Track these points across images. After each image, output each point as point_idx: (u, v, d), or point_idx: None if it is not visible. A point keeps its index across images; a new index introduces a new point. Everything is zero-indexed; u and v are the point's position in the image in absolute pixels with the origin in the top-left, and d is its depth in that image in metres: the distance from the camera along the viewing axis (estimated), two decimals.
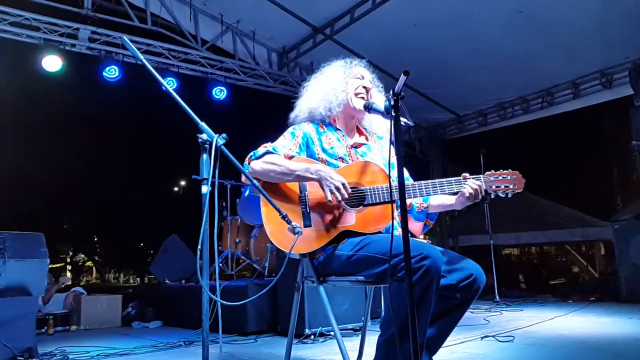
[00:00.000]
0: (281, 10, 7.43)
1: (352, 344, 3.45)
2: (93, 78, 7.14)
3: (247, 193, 6.79)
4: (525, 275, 10.67)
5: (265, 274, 6.29)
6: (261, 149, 2.73)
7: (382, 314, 4.66)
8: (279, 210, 2.29)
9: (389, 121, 2.24)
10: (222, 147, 2.17)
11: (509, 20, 6.88)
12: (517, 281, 10.17)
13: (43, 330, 5.96)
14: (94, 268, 31.53)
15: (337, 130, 2.88)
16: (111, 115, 14.00)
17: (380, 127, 2.97)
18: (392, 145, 2.13)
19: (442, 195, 2.72)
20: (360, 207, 2.59)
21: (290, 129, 2.86)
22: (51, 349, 4.46)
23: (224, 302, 2.11)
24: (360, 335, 3.26)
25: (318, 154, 2.76)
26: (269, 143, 2.76)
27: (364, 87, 2.81)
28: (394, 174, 2.54)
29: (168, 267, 7.05)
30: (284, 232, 2.47)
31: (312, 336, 4.69)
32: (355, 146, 2.86)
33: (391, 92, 2.09)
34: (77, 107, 12.93)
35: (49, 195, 16.63)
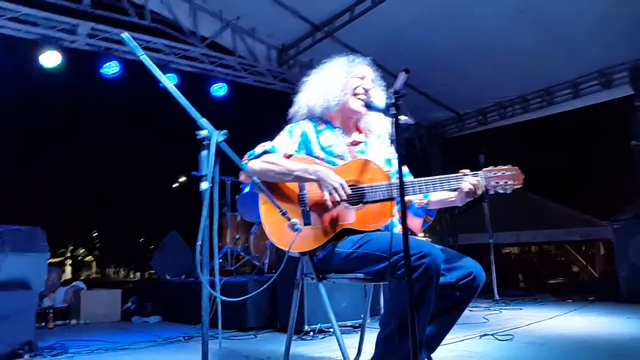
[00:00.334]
0: (281, 7, 7.42)
1: (351, 341, 3.46)
2: (92, 74, 7.14)
3: (246, 190, 6.79)
4: (524, 274, 10.67)
5: (265, 270, 6.29)
6: (259, 148, 2.72)
7: (382, 311, 4.67)
8: (278, 207, 2.29)
9: (388, 119, 2.25)
10: (222, 143, 2.16)
11: (509, 19, 6.87)
12: (516, 280, 10.17)
13: (43, 324, 5.97)
14: (94, 263, 31.54)
15: (336, 128, 2.88)
16: (110, 112, 13.97)
17: (379, 125, 2.95)
18: (392, 143, 2.14)
19: (441, 192, 2.72)
20: (360, 204, 2.59)
21: (287, 128, 2.85)
22: (51, 342, 4.47)
23: (224, 298, 2.11)
24: (359, 332, 3.27)
25: (316, 152, 2.75)
26: (267, 142, 2.75)
27: (364, 88, 2.80)
28: (393, 169, 2.56)
29: (168, 263, 7.06)
30: (283, 230, 2.46)
31: (312, 332, 4.70)
32: (354, 144, 2.86)
33: (391, 90, 2.09)
34: (75, 103, 12.92)
35: (49, 189, 16.65)
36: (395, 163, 2.62)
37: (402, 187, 2.02)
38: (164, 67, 7.48)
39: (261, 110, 9.23)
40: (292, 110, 2.95)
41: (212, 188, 2.09)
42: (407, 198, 2.38)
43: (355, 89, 2.80)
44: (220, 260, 6.68)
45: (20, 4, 6.43)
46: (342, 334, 2.57)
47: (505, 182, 2.55)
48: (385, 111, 2.32)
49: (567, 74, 8.22)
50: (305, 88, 2.96)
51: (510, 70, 8.10)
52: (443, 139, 10.87)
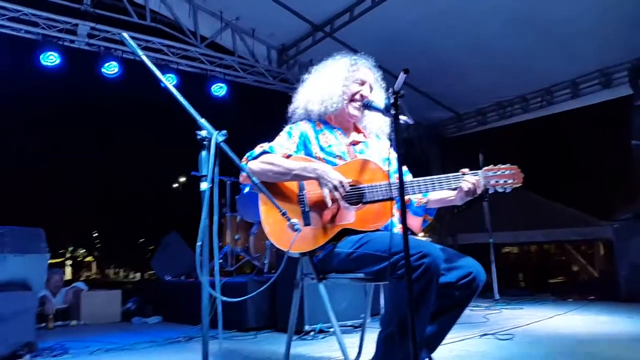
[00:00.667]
0: (281, 7, 7.43)
1: (351, 341, 3.46)
2: (92, 74, 7.14)
3: (246, 190, 6.79)
4: (524, 273, 10.67)
5: (265, 270, 6.30)
6: (258, 149, 2.71)
7: (382, 311, 4.67)
8: (278, 207, 2.28)
9: (387, 120, 2.24)
10: (222, 143, 2.17)
11: (508, 19, 6.87)
12: (516, 279, 10.18)
13: (43, 325, 5.98)
14: (94, 263, 31.54)
15: (335, 129, 2.87)
16: (110, 112, 13.97)
17: (378, 125, 2.95)
18: (391, 143, 2.14)
19: (441, 191, 2.72)
20: (360, 204, 2.59)
21: (286, 128, 2.85)
22: (51, 343, 4.47)
23: (224, 298, 2.11)
24: (360, 332, 3.27)
25: (316, 153, 2.75)
26: (266, 143, 2.75)
27: (362, 96, 2.79)
28: (392, 169, 2.55)
29: (168, 263, 7.06)
30: (283, 231, 2.46)
31: (312, 332, 4.70)
32: (353, 144, 2.86)
33: (391, 90, 2.09)
34: (75, 104, 12.91)
35: (49, 190, 16.64)
36: (394, 163, 2.62)
37: (402, 187, 2.02)
38: (164, 67, 7.49)
39: (261, 110, 9.22)
40: (290, 108, 2.95)
41: (212, 188, 2.09)
42: (406, 197, 2.38)
43: (354, 95, 2.80)
44: (220, 261, 6.68)
45: (21, 4, 6.44)
46: (342, 333, 2.57)
47: (505, 181, 2.55)
48: (385, 111, 2.32)
49: (567, 73, 8.23)
50: (305, 88, 2.95)
51: (510, 70, 8.11)
52: (442, 138, 10.87)
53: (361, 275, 2.53)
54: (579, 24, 6.78)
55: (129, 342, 4.66)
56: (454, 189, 2.63)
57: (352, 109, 2.80)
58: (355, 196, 2.59)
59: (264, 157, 2.66)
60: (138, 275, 25.78)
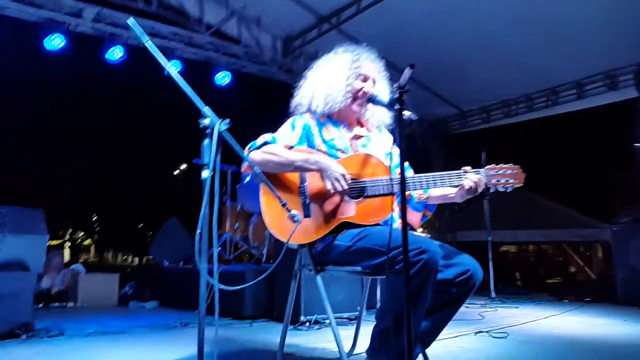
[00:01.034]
0: None
1: (346, 333, 3.47)
2: (96, 59, 7.12)
3: (247, 179, 6.78)
4: (521, 272, 10.68)
5: (263, 260, 6.31)
6: (260, 139, 2.71)
7: (378, 305, 4.69)
8: (279, 198, 2.29)
9: (390, 112, 2.24)
10: (225, 132, 2.17)
11: (517, 18, 6.84)
12: (513, 278, 10.18)
13: (40, 305, 6.01)
14: (92, 246, 31.64)
15: (338, 122, 2.87)
16: (114, 97, 13.99)
17: (380, 118, 2.95)
18: (394, 138, 2.14)
19: (442, 187, 2.72)
20: (360, 198, 2.59)
21: (290, 120, 2.84)
22: (47, 324, 4.49)
23: (222, 286, 2.12)
24: (355, 325, 3.28)
25: (318, 146, 2.75)
26: (269, 133, 2.75)
27: (365, 93, 2.77)
28: (394, 164, 2.56)
29: (167, 249, 7.08)
30: (283, 222, 2.47)
31: (307, 323, 4.72)
32: (356, 137, 2.86)
33: (396, 85, 2.09)
34: (79, 88, 12.93)
35: (50, 172, 16.68)
36: (396, 157, 2.62)
37: (403, 183, 2.02)
38: (169, 54, 7.46)
39: (264, 100, 9.23)
40: (293, 103, 2.93)
41: (213, 177, 2.10)
42: (406, 193, 2.38)
43: (357, 92, 2.79)
44: (219, 249, 6.70)
45: None
46: (337, 325, 2.58)
47: (507, 181, 2.56)
48: (389, 106, 2.31)
49: (573, 74, 8.20)
50: (307, 85, 2.92)
51: (516, 69, 8.08)
52: (446, 135, 10.85)
53: (359, 268, 2.54)
54: (587, 25, 6.75)
55: (125, 325, 4.68)
56: (455, 187, 2.63)
57: (356, 106, 2.80)
58: (357, 190, 2.59)
59: (266, 148, 2.66)
60: (136, 259, 25.85)
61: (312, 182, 2.61)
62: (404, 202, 1.99)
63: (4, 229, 4.12)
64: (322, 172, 2.53)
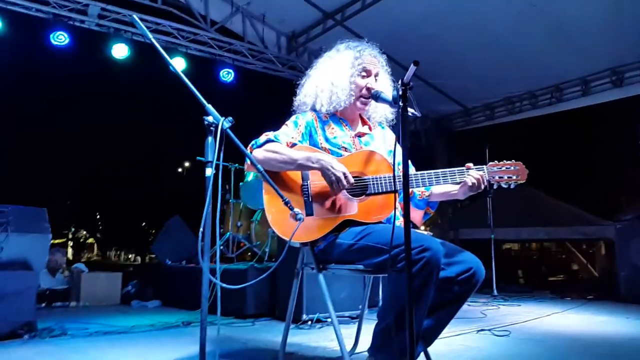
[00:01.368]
0: None
1: (348, 332, 3.47)
2: (101, 55, 7.12)
3: (250, 177, 6.78)
4: (524, 270, 10.68)
5: (266, 258, 6.31)
6: (263, 137, 2.70)
7: (380, 303, 4.68)
8: (281, 196, 2.28)
9: (394, 110, 2.23)
10: (228, 130, 2.16)
11: (521, 14, 6.82)
12: (515, 276, 10.18)
13: (43, 305, 6.01)
14: (95, 245, 31.71)
15: (341, 120, 2.87)
16: (118, 94, 14.00)
17: (382, 113, 2.94)
18: (397, 136, 2.13)
19: (444, 184, 2.71)
20: (363, 196, 2.58)
21: (293, 118, 2.84)
22: (50, 324, 4.49)
23: (224, 285, 2.12)
24: (357, 323, 3.27)
25: (321, 144, 2.74)
26: (271, 132, 2.74)
27: (369, 89, 2.76)
28: (397, 161, 2.54)
29: (169, 248, 7.06)
30: (286, 220, 2.46)
31: (310, 322, 4.71)
32: (359, 135, 2.85)
33: (400, 82, 2.08)
34: (83, 85, 12.95)
35: (52, 170, 16.70)
36: (399, 155, 2.61)
37: (406, 180, 2.01)
38: (173, 51, 7.47)
39: (268, 97, 9.22)
40: (296, 101, 2.93)
41: (216, 175, 2.09)
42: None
43: (361, 90, 2.78)
44: (222, 247, 6.70)
45: None
46: (339, 324, 2.58)
47: (509, 177, 2.56)
48: (393, 103, 2.30)
49: (578, 70, 8.16)
50: (310, 83, 2.91)
51: (520, 66, 8.05)
52: (449, 132, 10.83)
53: (361, 267, 2.53)
54: (592, 22, 6.72)
55: (128, 325, 4.68)
56: (458, 184, 2.63)
57: (360, 104, 2.80)
58: (359, 188, 2.59)
59: (268, 146, 2.65)
60: (139, 258, 25.90)
61: (315, 181, 2.60)
62: (407, 200, 1.98)
63: (7, 228, 4.12)
64: (323, 170, 2.52)
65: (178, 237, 7.10)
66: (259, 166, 2.36)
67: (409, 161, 2.83)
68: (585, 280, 10.37)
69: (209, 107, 2.17)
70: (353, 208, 2.58)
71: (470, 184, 2.55)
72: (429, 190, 2.84)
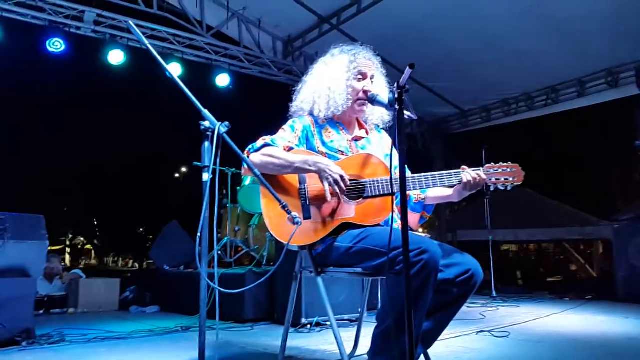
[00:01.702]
0: None
1: (348, 335, 3.47)
2: (97, 61, 7.12)
3: (247, 182, 6.78)
4: (522, 271, 10.68)
5: (264, 262, 6.30)
6: (260, 142, 2.71)
7: (379, 306, 4.68)
8: (279, 200, 2.29)
9: (391, 113, 2.23)
10: (224, 135, 2.17)
11: (516, 16, 6.84)
12: (514, 277, 10.18)
13: (41, 312, 6.00)
14: (92, 251, 31.64)
15: (337, 124, 2.87)
16: (114, 100, 13.98)
17: (379, 115, 2.95)
18: (393, 139, 2.13)
19: (440, 187, 2.72)
20: (360, 199, 2.59)
21: (290, 122, 2.84)
22: (48, 330, 4.48)
23: (222, 290, 2.12)
24: (356, 326, 3.27)
25: (318, 148, 2.75)
26: (268, 136, 2.75)
27: (365, 92, 2.77)
28: (394, 164, 2.55)
29: (167, 253, 7.05)
30: (284, 224, 2.47)
31: (309, 325, 4.72)
32: (356, 139, 2.86)
33: (395, 85, 2.08)
34: (79, 91, 12.93)
35: (50, 177, 16.67)
36: (395, 158, 2.62)
37: (403, 182, 2.01)
38: (169, 56, 7.48)
39: (265, 101, 9.21)
40: (293, 107, 2.93)
41: (213, 179, 2.10)
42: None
43: (357, 94, 2.78)
44: (219, 252, 6.69)
45: None
46: (339, 327, 2.58)
47: (506, 179, 2.56)
48: (389, 106, 2.31)
49: (574, 72, 8.19)
50: (306, 89, 2.92)
51: (516, 68, 8.08)
52: (446, 135, 10.86)
53: (360, 270, 2.53)
54: (588, 23, 6.73)
55: (126, 331, 4.67)
56: (453, 186, 2.64)
57: (357, 107, 2.81)
58: (356, 190, 2.59)
59: (265, 150, 2.65)
60: (137, 264, 25.84)
61: (312, 184, 2.61)
62: (404, 202, 1.98)
63: (4, 235, 4.10)
64: (320, 173, 2.53)
65: (176, 242, 7.08)
66: (255, 170, 2.36)
67: (405, 165, 2.84)
68: (584, 280, 10.38)
69: (206, 112, 2.18)
70: (351, 211, 2.58)
71: (465, 180, 2.55)
72: (425, 194, 2.85)
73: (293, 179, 2.65)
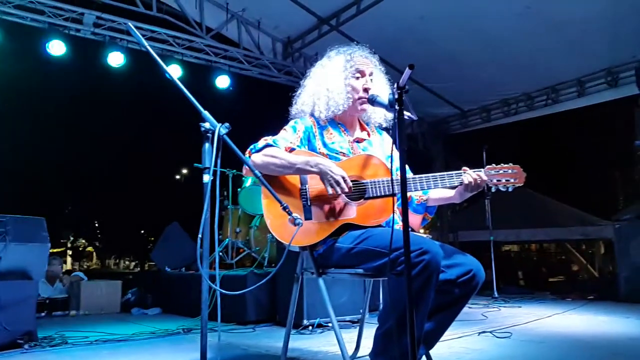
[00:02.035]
0: None
1: (349, 336, 3.46)
2: (97, 63, 7.13)
3: (248, 183, 6.78)
4: (524, 272, 10.67)
5: (265, 264, 6.30)
6: (261, 142, 2.71)
7: (381, 307, 4.68)
8: (280, 201, 2.28)
9: (391, 113, 2.23)
10: (225, 136, 2.16)
11: (516, 16, 6.83)
12: (516, 278, 10.17)
13: (42, 314, 6.00)
14: (94, 253, 31.64)
15: (339, 125, 2.87)
16: (114, 102, 13.98)
17: (381, 115, 2.95)
18: (394, 139, 2.13)
19: (441, 189, 2.71)
20: (361, 200, 2.58)
21: (291, 122, 2.84)
22: (50, 333, 4.48)
23: (224, 291, 2.11)
24: (358, 327, 3.27)
25: (319, 149, 2.75)
26: (270, 136, 2.75)
27: (365, 90, 2.77)
28: (395, 166, 2.55)
29: (169, 255, 7.05)
30: (285, 225, 2.47)
31: (310, 327, 4.71)
32: (357, 140, 2.85)
33: (395, 86, 2.08)
34: (80, 93, 12.93)
35: (51, 179, 16.67)
36: (396, 159, 2.61)
37: (404, 183, 2.01)
38: (169, 58, 7.49)
39: (265, 103, 9.21)
40: (293, 110, 2.93)
41: (213, 181, 2.09)
42: (407, 194, 2.37)
43: (357, 93, 2.78)
44: (221, 254, 6.69)
45: None
46: (340, 328, 2.57)
47: (507, 180, 2.56)
48: (389, 107, 2.31)
49: (574, 71, 8.18)
50: (306, 91, 2.93)
51: (516, 67, 8.08)
52: (446, 135, 10.85)
53: (361, 270, 2.52)
54: (587, 23, 6.73)
55: (128, 333, 4.67)
56: (455, 187, 2.63)
57: (359, 106, 2.80)
58: (358, 191, 2.59)
59: (267, 150, 2.65)
60: (138, 266, 25.83)
61: (313, 185, 2.60)
62: (405, 203, 1.98)
63: (5, 237, 4.10)
64: (322, 174, 2.52)
65: (177, 244, 7.08)
66: (256, 171, 2.36)
67: (406, 166, 2.84)
68: (585, 280, 10.37)
69: (206, 113, 2.17)
70: (352, 212, 2.58)
71: (467, 181, 2.55)
72: (427, 195, 2.85)
73: (294, 179, 2.65)
